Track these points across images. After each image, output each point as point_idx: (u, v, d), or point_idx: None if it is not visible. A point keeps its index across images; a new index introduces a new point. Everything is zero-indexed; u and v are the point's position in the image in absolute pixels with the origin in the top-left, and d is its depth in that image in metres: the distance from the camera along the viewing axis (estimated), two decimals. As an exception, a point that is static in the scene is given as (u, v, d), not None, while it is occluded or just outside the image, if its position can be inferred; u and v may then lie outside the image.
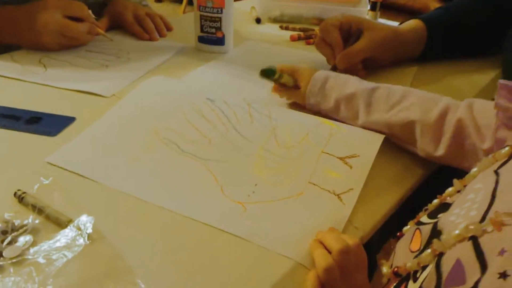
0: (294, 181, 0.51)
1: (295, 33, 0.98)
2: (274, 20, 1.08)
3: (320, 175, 0.52)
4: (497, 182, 0.37)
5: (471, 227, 0.33)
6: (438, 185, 0.48)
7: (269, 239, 0.44)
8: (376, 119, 0.58)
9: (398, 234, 0.48)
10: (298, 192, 0.50)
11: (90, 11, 0.82)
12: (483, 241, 0.32)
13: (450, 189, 0.44)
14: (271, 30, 1.04)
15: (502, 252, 0.29)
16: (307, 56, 0.88)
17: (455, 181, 0.44)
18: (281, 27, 1.04)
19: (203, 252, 0.42)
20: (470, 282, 0.30)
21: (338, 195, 0.50)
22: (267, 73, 0.65)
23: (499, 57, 0.82)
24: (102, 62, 0.80)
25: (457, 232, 0.34)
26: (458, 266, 0.33)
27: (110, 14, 0.94)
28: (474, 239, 0.33)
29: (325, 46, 0.78)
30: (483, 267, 0.30)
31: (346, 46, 0.76)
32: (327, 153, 0.55)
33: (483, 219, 0.34)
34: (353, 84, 0.61)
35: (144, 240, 0.43)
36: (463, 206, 0.38)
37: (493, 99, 0.45)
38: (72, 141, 0.56)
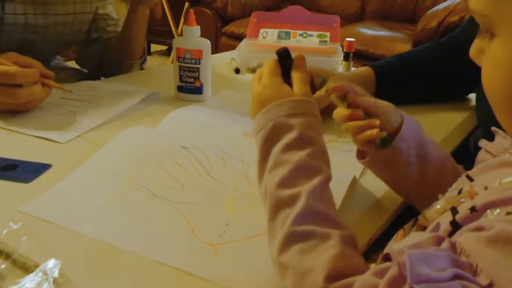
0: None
1: (272, 82, 1.02)
2: (253, 71, 1.13)
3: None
4: (468, 177, 0.42)
5: (449, 199, 0.38)
6: None
7: (236, 281, 0.44)
8: None
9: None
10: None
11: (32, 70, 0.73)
12: (460, 208, 0.37)
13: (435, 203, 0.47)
14: (250, 79, 1.08)
15: (472, 209, 0.34)
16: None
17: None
18: (259, 76, 1.08)
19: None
20: (446, 226, 0.35)
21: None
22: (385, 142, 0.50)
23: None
24: (71, 108, 0.82)
25: (438, 207, 0.39)
26: (436, 226, 0.37)
27: None
28: (453, 208, 0.37)
29: None
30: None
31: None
32: (298, 194, 0.56)
33: (459, 193, 0.39)
34: None
35: (111, 285, 0.43)
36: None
37: None
38: (47, 192, 0.56)
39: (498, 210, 0.32)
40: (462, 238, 0.32)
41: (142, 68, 1.15)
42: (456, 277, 0.29)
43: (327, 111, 0.79)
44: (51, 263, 0.43)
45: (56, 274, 0.42)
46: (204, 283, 0.43)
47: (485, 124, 0.79)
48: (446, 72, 0.88)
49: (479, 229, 0.31)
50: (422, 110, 0.86)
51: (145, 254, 0.46)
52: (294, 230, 0.38)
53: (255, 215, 0.52)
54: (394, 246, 0.35)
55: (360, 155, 0.56)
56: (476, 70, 0.83)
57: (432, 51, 0.91)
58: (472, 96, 0.96)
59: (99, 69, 1.15)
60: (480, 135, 0.84)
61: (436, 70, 0.89)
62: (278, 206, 0.40)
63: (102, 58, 1.13)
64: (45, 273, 0.42)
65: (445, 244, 0.32)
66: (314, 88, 0.81)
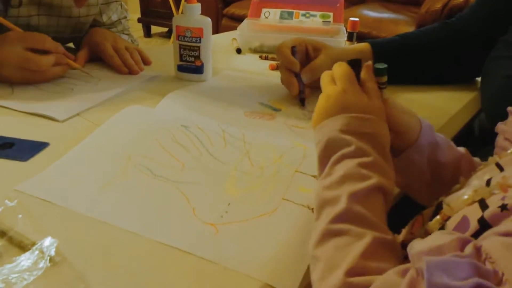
0: (268, 199, 0.51)
1: (274, 62, 1.00)
2: (254, 51, 1.10)
3: (294, 191, 0.52)
4: (498, 165, 0.41)
5: (479, 190, 0.37)
6: None
7: (237, 261, 0.43)
8: None
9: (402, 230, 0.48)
10: (272, 209, 0.49)
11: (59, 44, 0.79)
12: (489, 200, 0.36)
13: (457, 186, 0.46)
14: (251, 60, 1.06)
15: (503, 198, 0.34)
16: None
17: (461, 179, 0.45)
18: (260, 57, 1.06)
19: (168, 275, 0.41)
20: (473, 225, 0.34)
21: (312, 208, 0.49)
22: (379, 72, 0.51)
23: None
24: (68, 86, 0.81)
25: (465, 197, 0.38)
26: (464, 220, 0.36)
27: (89, 44, 0.94)
28: (481, 201, 0.36)
29: (285, 70, 0.80)
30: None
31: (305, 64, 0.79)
32: (301, 172, 0.55)
33: (487, 184, 0.37)
34: None
35: (108, 263, 0.42)
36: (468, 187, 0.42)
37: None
38: (44, 171, 0.55)
39: None
40: (489, 242, 0.30)
41: None
42: (477, 287, 0.28)
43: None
44: (47, 241, 0.42)
45: (52, 252, 0.41)
46: (204, 263, 0.42)
47: (489, 107, 0.78)
48: (452, 54, 0.86)
49: (508, 234, 0.30)
50: (426, 89, 0.85)
51: (144, 234, 0.45)
52: (330, 227, 0.38)
53: (257, 195, 0.51)
54: (415, 246, 0.34)
55: None
56: (483, 53, 0.81)
57: (439, 32, 0.88)
58: (478, 78, 0.94)
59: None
60: (484, 119, 0.82)
61: (442, 52, 0.86)
62: (322, 206, 0.41)
63: None
64: (42, 252, 0.41)
65: (469, 249, 0.30)
66: (309, 58, 0.80)
